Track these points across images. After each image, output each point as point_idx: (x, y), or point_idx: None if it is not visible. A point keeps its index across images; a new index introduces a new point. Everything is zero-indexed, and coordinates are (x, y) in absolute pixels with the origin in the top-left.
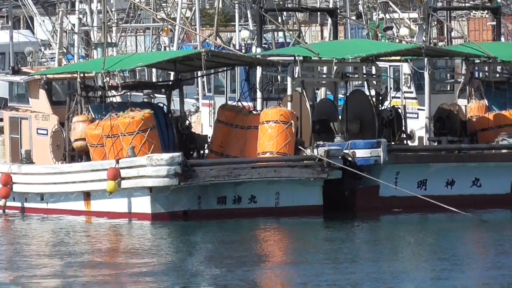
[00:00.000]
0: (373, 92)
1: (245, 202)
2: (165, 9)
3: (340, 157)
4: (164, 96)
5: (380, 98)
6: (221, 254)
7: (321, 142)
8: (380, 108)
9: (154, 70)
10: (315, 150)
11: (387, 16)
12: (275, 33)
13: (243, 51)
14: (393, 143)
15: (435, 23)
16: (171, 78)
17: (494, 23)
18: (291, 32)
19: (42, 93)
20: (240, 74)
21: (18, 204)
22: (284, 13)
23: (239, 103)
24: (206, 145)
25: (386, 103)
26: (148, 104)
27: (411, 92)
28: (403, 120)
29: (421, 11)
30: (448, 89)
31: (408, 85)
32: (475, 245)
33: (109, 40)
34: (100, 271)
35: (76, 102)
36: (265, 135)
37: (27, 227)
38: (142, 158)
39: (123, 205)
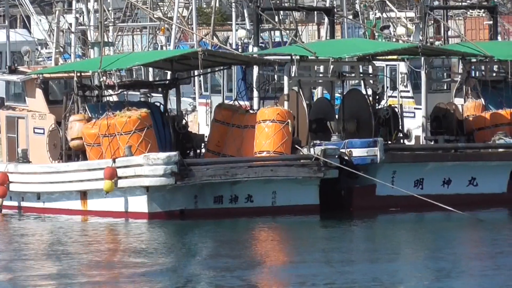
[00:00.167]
0: (369, 91)
1: (241, 201)
2: (161, 8)
3: (336, 156)
4: (161, 95)
5: (377, 97)
6: (217, 253)
7: (317, 141)
8: (376, 107)
9: (150, 69)
10: (311, 149)
11: (384, 15)
12: (272, 32)
13: (240, 50)
14: (389, 142)
15: (432, 22)
16: (168, 77)
17: (491, 22)
18: (287, 31)
19: (39, 92)
20: (236, 73)
21: (15, 203)
22: (281, 12)
23: (236, 102)
24: (202, 144)
25: (383, 102)
26: (145, 103)
27: (408, 91)
28: (399, 119)
29: (418, 10)
30: (445, 88)
31: (405, 84)
32: (472, 244)
33: (105, 39)
34: (97, 271)
35: (73, 101)
36: (261, 134)
37: (23, 226)
38: (138, 157)
39: (120, 204)
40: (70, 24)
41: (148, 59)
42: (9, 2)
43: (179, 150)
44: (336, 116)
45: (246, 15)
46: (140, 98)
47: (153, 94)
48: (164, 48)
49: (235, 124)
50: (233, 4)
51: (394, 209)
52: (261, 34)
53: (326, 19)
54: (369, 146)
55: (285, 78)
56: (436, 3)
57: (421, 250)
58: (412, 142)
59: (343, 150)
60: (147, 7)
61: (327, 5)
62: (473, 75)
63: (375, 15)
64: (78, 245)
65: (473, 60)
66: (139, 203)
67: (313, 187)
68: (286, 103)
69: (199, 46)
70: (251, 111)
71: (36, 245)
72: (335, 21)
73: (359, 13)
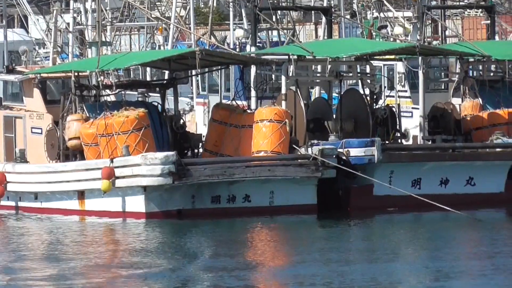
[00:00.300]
0: (367, 91)
1: (239, 201)
2: (159, 8)
3: (334, 156)
4: (159, 95)
5: (375, 97)
6: (215, 253)
7: (315, 141)
8: (374, 107)
9: (148, 69)
10: (309, 149)
11: (382, 14)
12: (270, 32)
13: (238, 50)
14: (387, 142)
15: (429, 21)
16: (166, 77)
17: (488, 21)
18: (285, 31)
19: (37, 92)
20: (234, 73)
21: (12, 203)
22: (278, 12)
23: (234, 102)
24: (200, 144)
25: (381, 102)
26: (142, 103)
27: (405, 91)
28: (397, 119)
29: (415, 9)
30: (442, 87)
31: (402, 83)
32: (470, 244)
33: (103, 39)
34: (94, 271)
35: (71, 101)
36: (259, 134)
37: (21, 226)
38: (136, 157)
39: (117, 204)
40: (68, 23)
41: (146, 59)
42: (6, 1)
43: (177, 150)
44: (334, 116)
45: (243, 14)
46: (137, 97)
47: (150, 94)
48: (161, 47)
49: (233, 124)
50: (231, 3)
51: (392, 209)
52: (259, 34)
53: (324, 19)
54: (367, 146)
55: (283, 77)
56: (433, 2)
57: (419, 250)
58: (410, 142)
59: (340, 150)
60: (145, 7)
61: (325, 4)
62: (471, 74)
63: (373, 14)
64: (75, 245)
65: (471, 59)
66: (137, 203)
67: (311, 187)
68: (283, 102)
69: (197, 46)
70: (248, 111)
71: (34, 245)
72: (333, 20)
73: (357, 12)
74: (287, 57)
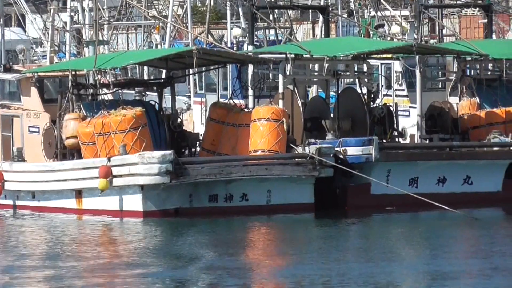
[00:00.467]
0: (364, 90)
1: (236, 200)
2: (156, 6)
3: (331, 155)
4: (156, 94)
5: (372, 95)
6: (212, 252)
7: (312, 140)
8: (371, 106)
9: (145, 68)
10: (306, 148)
11: (379, 13)
12: (267, 30)
13: (235, 48)
14: (384, 140)
15: (427, 20)
16: (163, 76)
17: (486, 20)
18: (282, 30)
19: (34, 91)
20: (231, 71)
21: (10, 202)
22: (276, 10)
23: (231, 101)
24: (197, 143)
25: (378, 101)
26: (140, 102)
27: (403, 90)
28: (394, 117)
29: (413, 8)
30: (440, 86)
31: (400, 82)
32: (467, 243)
33: (100, 38)
34: (92, 270)
35: (68, 100)
36: (256, 133)
37: (18, 225)
38: (133, 156)
39: (115, 203)
40: (65, 22)
41: (143, 58)
42: (3, 0)
43: (174, 149)
44: (331, 115)
45: (241, 13)
46: (135, 96)
47: (148, 93)
48: (159, 46)
49: (230, 123)
50: (228, 2)
51: (389, 208)
52: (256, 33)
53: (321, 18)
54: (364, 145)
55: (280, 76)
56: (430, 1)
57: (416, 249)
58: (407, 141)
59: (338, 149)
60: (142, 6)
61: (322, 3)
62: (468, 73)
63: (370, 13)
64: (73, 244)
65: (468, 58)
66: (134, 202)
67: (308, 185)
68: (281, 101)
69: (194, 45)
70: (246, 110)
71: (31, 244)
72: (330, 19)
73: (354, 11)
74: (284, 56)
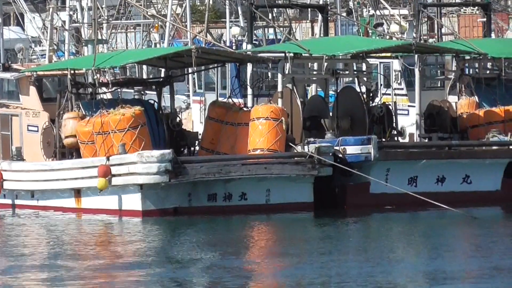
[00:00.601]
0: (363, 89)
1: (235, 199)
2: (155, 5)
3: (330, 154)
4: (155, 93)
5: (371, 94)
6: (211, 251)
7: (311, 139)
8: (370, 105)
9: (144, 66)
10: (305, 147)
11: (378, 12)
12: (266, 29)
13: (234, 47)
14: (383, 139)
15: (426, 19)
16: (162, 75)
17: (485, 19)
18: (281, 29)
19: (33, 90)
20: (230, 70)
21: (9, 201)
22: (275, 9)
23: (230, 100)
24: (196, 142)
25: (377, 100)
26: (139, 101)
27: (402, 89)
28: (393, 116)
29: (412, 7)
30: (439, 85)
31: (399, 81)
32: (466, 242)
33: (99, 37)
34: (91, 269)
35: (67, 99)
36: (255, 132)
37: (17, 224)
38: (132, 155)
39: (114, 202)
40: (64, 21)
41: (142, 57)
42: None
43: (173, 148)
44: (330, 114)
45: (240, 12)
46: (134, 95)
47: (147, 92)
48: (158, 45)
49: (229, 122)
50: (227, 1)
51: (388, 207)
52: (255, 32)
53: (320, 17)
54: (363, 144)
55: (279, 75)
56: (429, 0)
57: (415, 247)
58: (406, 140)
59: (337, 148)
60: (141, 5)
61: (321, 2)
62: (467, 72)
63: (369, 12)
64: (72, 243)
65: (467, 57)
66: (133, 201)
67: (307, 184)
68: (280, 100)
69: (193, 44)
70: (245, 109)
71: (31, 244)
72: (329, 18)
73: (353, 10)
74: (283, 54)
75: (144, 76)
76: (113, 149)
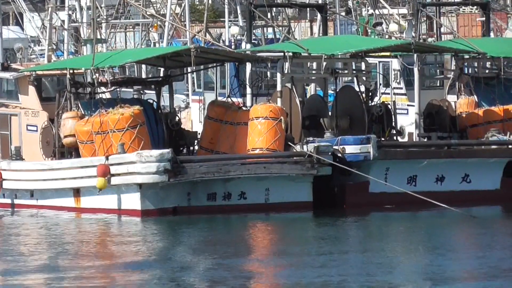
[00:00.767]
0: (362, 88)
1: (235, 199)
2: (154, 5)
3: (329, 153)
4: (154, 92)
5: (370, 94)
6: (211, 251)
7: (310, 138)
8: (369, 104)
9: (143, 66)
10: (304, 146)
11: (377, 12)
12: (265, 29)
13: (233, 47)
14: (382, 139)
15: (425, 19)
16: (161, 74)
17: (484, 18)
18: (280, 28)
19: (32, 89)
20: (229, 70)
21: (8, 201)
22: (274, 9)
23: (229, 99)
24: (195, 141)
25: (376, 99)
26: (138, 100)
27: (401, 88)
28: (392, 116)
29: (411, 7)
30: (438, 85)
31: (398, 81)
32: (465, 241)
33: (98, 36)
34: (90, 268)
35: (66, 99)
36: (254, 132)
37: (17, 224)
38: (131, 154)
39: (113, 202)
40: (63, 21)
41: (141, 56)
42: None
43: (172, 147)
44: (329, 113)
45: (239, 12)
46: (133, 95)
47: (146, 91)
48: (157, 45)
49: (228, 121)
50: (226, 1)
51: (388, 206)
52: (254, 31)
53: (319, 16)
54: (362, 143)
55: (278, 75)
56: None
57: (414, 247)
58: (405, 139)
59: (336, 147)
60: (140, 4)
61: (320, 1)
62: (466, 71)
63: (368, 11)
64: (71, 242)
65: (466, 56)
66: (132, 201)
67: (306, 184)
68: (279, 100)
69: (192, 43)
70: (244, 108)
71: (30, 243)
72: (328, 17)
73: (352, 9)
74: (282, 54)
75: (143, 76)
76: (112, 149)
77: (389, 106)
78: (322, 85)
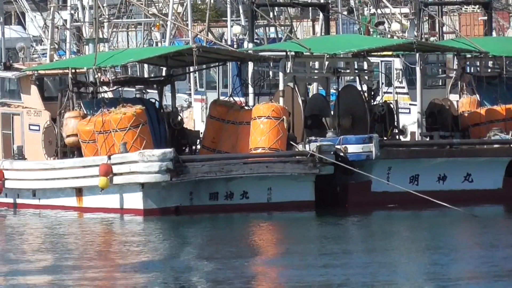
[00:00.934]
0: (365, 87)
1: (237, 198)
2: (156, 4)
3: (332, 153)
4: (156, 91)
5: (372, 93)
6: (213, 250)
7: (313, 138)
8: (372, 103)
9: (145, 65)
10: (307, 146)
11: (379, 11)
12: (267, 28)
13: (235, 46)
14: (385, 138)
15: (427, 18)
16: (163, 73)
17: (486, 18)
18: (282, 28)
19: (34, 89)
20: (232, 69)
21: (10, 200)
22: (276, 8)
23: (231, 99)
24: (198, 140)
25: (378, 98)
26: (140, 99)
27: (403, 87)
28: (395, 115)
29: (413, 6)
30: (440, 84)
31: (400, 80)
32: (467, 240)
33: (100, 36)
34: (93, 267)
35: (68, 98)
36: (257, 131)
37: (19, 223)
38: (134, 154)
39: (115, 201)
40: (65, 20)
41: (143, 56)
42: None
43: (174, 147)
44: (332, 112)
45: (241, 11)
46: (135, 94)
47: (148, 91)
48: (159, 44)
49: (230, 121)
50: (228, 0)
51: (390, 205)
52: (256, 30)
53: (321, 15)
54: (364, 142)
55: (280, 74)
56: None
57: (416, 246)
58: (408, 138)
59: (338, 147)
60: (142, 4)
61: (322, 1)
62: (468, 71)
63: (370, 11)
64: (74, 242)
65: (468, 56)
66: (134, 200)
67: (309, 183)
68: (281, 99)
69: (194, 43)
70: (246, 108)
71: (33, 243)
72: (330, 17)
73: (354, 9)
74: (284, 53)
75: (145, 75)
76: (114, 148)
77: (391, 106)
78: (324, 85)
